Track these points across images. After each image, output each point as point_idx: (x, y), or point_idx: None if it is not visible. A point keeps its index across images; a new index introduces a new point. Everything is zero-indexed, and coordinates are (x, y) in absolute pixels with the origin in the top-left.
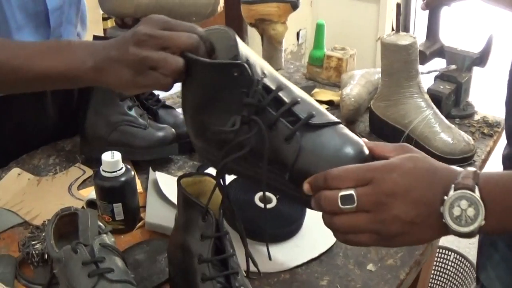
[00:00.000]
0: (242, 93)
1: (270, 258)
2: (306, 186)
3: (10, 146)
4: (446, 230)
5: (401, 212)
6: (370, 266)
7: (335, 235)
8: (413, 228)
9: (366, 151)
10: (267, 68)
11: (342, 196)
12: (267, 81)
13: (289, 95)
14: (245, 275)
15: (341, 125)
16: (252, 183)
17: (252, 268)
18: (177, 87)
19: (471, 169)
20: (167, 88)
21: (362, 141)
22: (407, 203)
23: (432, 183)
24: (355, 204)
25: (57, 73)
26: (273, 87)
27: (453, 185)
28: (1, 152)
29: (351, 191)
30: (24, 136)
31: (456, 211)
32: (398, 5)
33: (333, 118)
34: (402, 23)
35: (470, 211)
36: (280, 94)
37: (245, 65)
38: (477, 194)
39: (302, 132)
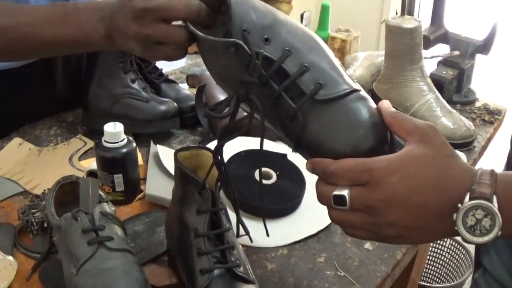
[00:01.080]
0: (243, 67)
1: (267, 235)
2: (308, 166)
3: (17, 118)
4: (455, 234)
5: (395, 219)
6: (368, 245)
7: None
8: (411, 232)
9: (379, 133)
10: (273, 25)
11: (334, 196)
12: (269, 49)
13: (296, 61)
14: (241, 248)
15: (355, 95)
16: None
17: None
18: (180, 62)
19: (487, 170)
20: (181, 56)
21: (377, 115)
22: (404, 210)
23: (440, 190)
24: (347, 206)
25: (67, 41)
26: (275, 56)
27: (468, 193)
28: (5, 122)
29: (344, 192)
30: (33, 109)
31: (471, 221)
32: None
33: (347, 86)
34: (407, 7)
35: (486, 222)
36: (285, 64)
37: (241, 43)
38: (495, 204)
39: (307, 108)
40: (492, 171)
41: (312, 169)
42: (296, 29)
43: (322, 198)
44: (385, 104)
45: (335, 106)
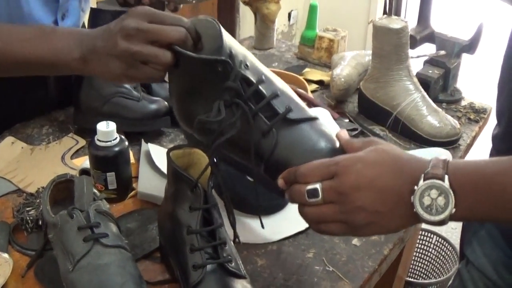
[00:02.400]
0: (223, 84)
1: (262, 227)
2: (280, 181)
3: (8, 117)
4: (417, 219)
5: (365, 203)
6: (355, 241)
7: (309, 225)
8: (380, 217)
9: (340, 148)
10: (250, 58)
11: (308, 190)
12: (248, 73)
13: (269, 88)
14: (232, 244)
15: (318, 121)
16: (236, 169)
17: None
18: None
19: (441, 158)
20: (158, 80)
21: (335, 137)
22: (371, 194)
23: (399, 173)
24: (320, 197)
25: (43, 61)
26: (254, 79)
27: (422, 175)
28: None
29: (316, 185)
30: (24, 108)
31: (427, 201)
32: None
33: (310, 113)
34: (394, 8)
35: (440, 200)
36: (261, 87)
37: (229, 61)
38: (446, 183)
39: (279, 126)
40: (445, 159)
41: (284, 177)
42: (264, 67)
43: (295, 195)
44: (341, 133)
45: (304, 126)
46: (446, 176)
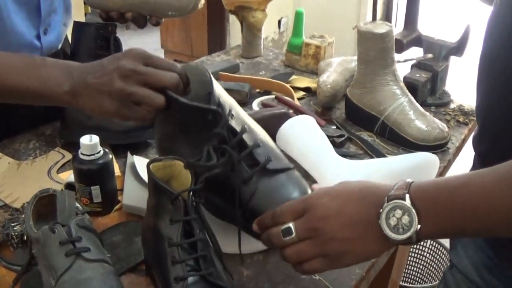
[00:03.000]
0: (212, 132)
1: (239, 244)
2: (254, 226)
3: None
4: (389, 242)
5: (335, 232)
6: None
7: (294, 268)
8: (352, 244)
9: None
10: (235, 107)
11: (282, 230)
12: (233, 123)
13: (251, 138)
14: (216, 256)
15: (294, 171)
16: (216, 214)
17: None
18: None
19: (405, 181)
20: (148, 122)
21: (310, 187)
22: (339, 222)
23: (364, 200)
24: (294, 235)
25: (32, 91)
26: (238, 129)
27: (386, 198)
28: None
29: (289, 224)
30: (10, 123)
31: (393, 221)
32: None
33: (288, 163)
34: (384, 13)
35: (405, 219)
36: (244, 136)
37: (220, 111)
38: (407, 201)
39: (259, 175)
40: (408, 181)
41: (259, 222)
42: (247, 116)
43: (272, 237)
44: (315, 186)
45: (280, 177)
46: (407, 195)
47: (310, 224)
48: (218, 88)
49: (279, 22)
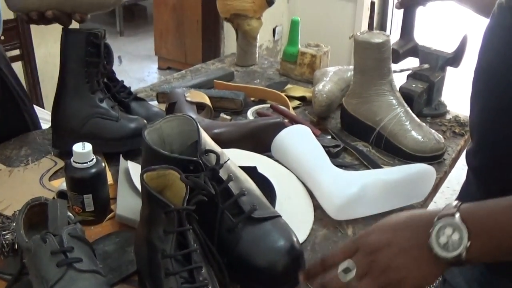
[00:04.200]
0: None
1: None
2: (302, 277)
3: None
4: (440, 263)
5: (389, 261)
6: None
7: None
8: (408, 271)
9: (298, 246)
10: (223, 157)
11: (344, 270)
12: (220, 171)
13: (237, 186)
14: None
15: (280, 219)
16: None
17: None
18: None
19: (454, 202)
20: None
21: (294, 236)
22: (392, 251)
23: (412, 225)
24: (355, 269)
25: None
26: (224, 177)
27: (436, 218)
28: None
29: (346, 262)
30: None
31: (443, 240)
32: (372, 4)
33: (273, 211)
34: (379, 22)
35: (455, 236)
36: (230, 185)
37: (200, 161)
38: (457, 219)
39: (244, 223)
40: (458, 202)
41: (310, 268)
42: (233, 164)
43: (332, 281)
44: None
45: (265, 225)
46: (457, 213)
47: (366, 258)
48: (206, 136)
49: (274, 30)
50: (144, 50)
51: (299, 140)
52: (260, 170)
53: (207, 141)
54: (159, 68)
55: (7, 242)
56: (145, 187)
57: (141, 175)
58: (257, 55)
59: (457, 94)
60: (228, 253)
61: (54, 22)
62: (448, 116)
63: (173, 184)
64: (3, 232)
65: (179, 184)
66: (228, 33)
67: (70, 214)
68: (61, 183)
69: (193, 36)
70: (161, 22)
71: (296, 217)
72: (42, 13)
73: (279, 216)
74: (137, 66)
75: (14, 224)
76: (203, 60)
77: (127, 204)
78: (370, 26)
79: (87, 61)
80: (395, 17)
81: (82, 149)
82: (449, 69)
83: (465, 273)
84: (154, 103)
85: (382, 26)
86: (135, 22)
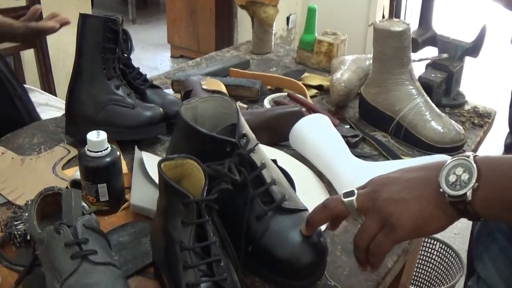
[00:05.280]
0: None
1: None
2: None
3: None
4: (444, 201)
5: (391, 193)
6: None
7: (369, 258)
8: (409, 205)
9: (323, 241)
10: (258, 143)
11: (344, 192)
12: (254, 156)
13: (269, 175)
14: (230, 261)
15: (306, 212)
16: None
17: None
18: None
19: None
20: None
21: (320, 231)
22: (397, 186)
23: (425, 167)
24: (354, 196)
25: None
26: (258, 163)
27: (450, 157)
28: None
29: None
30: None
31: (452, 178)
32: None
33: (301, 204)
34: (393, 10)
35: (464, 176)
36: (263, 172)
37: (238, 143)
38: (471, 159)
39: (273, 212)
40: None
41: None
42: (265, 153)
43: (331, 203)
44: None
45: (293, 217)
46: (472, 155)
47: (369, 189)
48: (243, 120)
49: (288, 18)
50: (156, 38)
51: (318, 129)
52: (279, 163)
53: (244, 125)
54: (172, 57)
55: (19, 232)
56: (163, 177)
57: (159, 164)
58: (273, 43)
59: (476, 84)
60: (255, 240)
61: None
62: (467, 107)
63: (191, 174)
64: (15, 223)
65: (198, 174)
66: (242, 21)
67: (85, 204)
68: (74, 172)
69: (206, 24)
70: (174, 10)
71: None
72: None
73: (306, 209)
74: (149, 54)
75: (26, 214)
76: (216, 48)
77: (142, 194)
78: (391, 14)
79: (104, 47)
80: (409, 5)
81: (96, 137)
82: (467, 59)
83: (502, 270)
84: (169, 91)
85: (397, 14)
86: (147, 10)
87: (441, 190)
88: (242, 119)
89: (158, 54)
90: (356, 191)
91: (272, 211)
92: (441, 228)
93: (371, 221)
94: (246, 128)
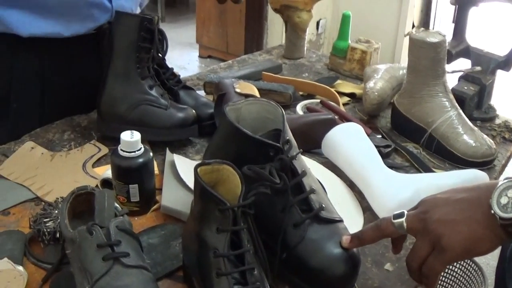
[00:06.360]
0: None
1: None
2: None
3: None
4: (494, 223)
5: (441, 215)
6: (388, 266)
7: (425, 282)
8: (458, 226)
9: (357, 254)
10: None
11: (395, 214)
12: (295, 163)
13: (308, 183)
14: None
15: (343, 223)
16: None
17: None
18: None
19: None
20: None
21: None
22: (448, 208)
23: (475, 189)
24: (404, 218)
25: None
26: (299, 170)
27: (502, 179)
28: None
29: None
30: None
31: (504, 200)
32: (428, 1)
33: (338, 214)
34: (422, 19)
35: None
36: (303, 179)
37: (282, 148)
38: None
39: (310, 221)
40: None
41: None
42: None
43: (382, 224)
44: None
45: (329, 227)
46: None
47: (419, 210)
48: (287, 127)
49: (318, 23)
50: (185, 37)
51: (352, 139)
52: None
53: (288, 131)
54: (200, 56)
55: (48, 230)
56: (199, 181)
57: (195, 169)
58: (305, 48)
59: (507, 98)
60: (290, 248)
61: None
62: (498, 121)
63: (227, 179)
64: (45, 220)
65: (234, 180)
66: (272, 24)
67: (117, 205)
68: (105, 171)
69: (235, 25)
70: (203, 10)
71: (346, 221)
72: None
73: (342, 220)
74: (177, 53)
75: (56, 211)
76: (245, 50)
77: (174, 196)
78: (427, 24)
79: (139, 46)
80: (438, 15)
81: (130, 137)
82: (498, 72)
83: None
84: (201, 92)
85: (426, 24)
86: (176, 8)
87: (492, 211)
88: (287, 125)
89: (187, 54)
90: (405, 213)
91: (310, 220)
92: (490, 250)
93: (421, 243)
94: (290, 135)
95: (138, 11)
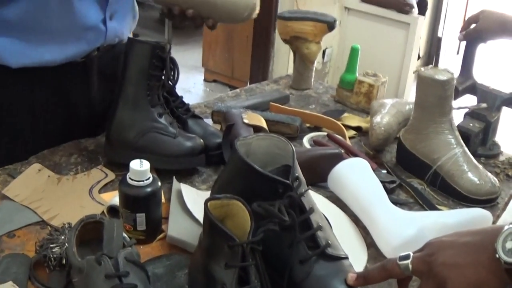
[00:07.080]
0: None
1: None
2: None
3: (40, 137)
4: (499, 268)
5: (447, 258)
6: None
7: None
8: (464, 270)
9: None
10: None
11: (400, 256)
12: (304, 199)
13: (315, 220)
14: None
15: (348, 260)
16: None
17: None
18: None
19: None
20: None
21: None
22: (453, 251)
23: (480, 232)
24: (410, 259)
25: None
26: (307, 207)
27: (508, 224)
28: (25, 144)
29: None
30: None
31: (509, 245)
32: (438, 39)
33: (343, 252)
34: (427, 51)
35: None
36: (311, 216)
37: (291, 185)
38: None
39: (316, 257)
40: None
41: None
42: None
43: (388, 264)
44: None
45: (335, 264)
46: None
47: (424, 253)
48: (296, 164)
49: (324, 52)
50: (190, 61)
51: (358, 174)
52: None
53: (298, 168)
54: (205, 80)
55: (54, 256)
56: (209, 216)
57: (205, 203)
58: (312, 80)
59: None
60: (296, 284)
61: (188, 22)
62: (502, 158)
63: (236, 214)
64: (51, 245)
65: (243, 215)
66: (278, 52)
67: (126, 236)
68: (112, 197)
69: (242, 51)
70: (210, 34)
71: (349, 257)
72: (183, 10)
73: (347, 257)
74: (183, 76)
75: (62, 237)
76: (250, 76)
77: (180, 226)
78: (436, 62)
79: (150, 74)
80: (443, 49)
81: (140, 166)
82: (503, 109)
83: None
84: (208, 120)
85: (430, 56)
86: (183, 31)
87: (497, 256)
88: (297, 161)
89: (192, 77)
90: (411, 254)
91: (316, 256)
92: None
93: (426, 285)
94: (299, 171)
95: (130, 35)
